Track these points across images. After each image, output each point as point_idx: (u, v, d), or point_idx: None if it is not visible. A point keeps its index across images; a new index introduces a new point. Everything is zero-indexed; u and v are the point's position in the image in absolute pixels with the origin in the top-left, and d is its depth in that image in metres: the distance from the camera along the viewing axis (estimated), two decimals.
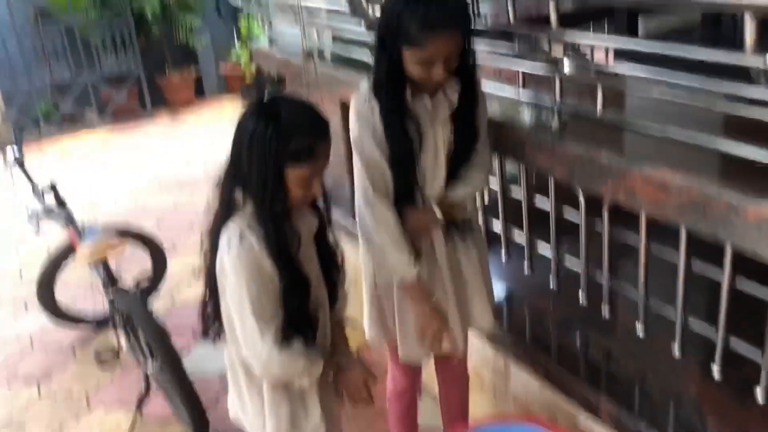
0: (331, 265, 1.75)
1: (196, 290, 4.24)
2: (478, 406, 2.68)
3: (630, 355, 2.09)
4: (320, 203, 1.69)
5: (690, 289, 1.85)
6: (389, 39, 1.63)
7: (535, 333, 2.31)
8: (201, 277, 1.68)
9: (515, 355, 2.29)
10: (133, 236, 3.78)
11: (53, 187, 3.21)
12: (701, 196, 1.47)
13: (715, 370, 1.84)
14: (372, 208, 1.77)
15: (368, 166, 1.76)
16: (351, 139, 1.78)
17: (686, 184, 1.50)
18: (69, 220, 3.14)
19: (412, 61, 1.63)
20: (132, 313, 2.76)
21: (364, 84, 1.79)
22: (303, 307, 1.62)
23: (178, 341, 3.63)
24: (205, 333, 1.75)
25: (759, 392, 1.75)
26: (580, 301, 2.25)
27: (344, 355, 1.79)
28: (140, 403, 2.93)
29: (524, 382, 2.33)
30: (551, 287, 2.38)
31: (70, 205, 3.29)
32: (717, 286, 1.72)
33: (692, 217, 1.52)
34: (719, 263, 1.70)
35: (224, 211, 1.56)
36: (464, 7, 1.72)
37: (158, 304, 4.07)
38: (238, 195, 1.54)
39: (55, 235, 3.66)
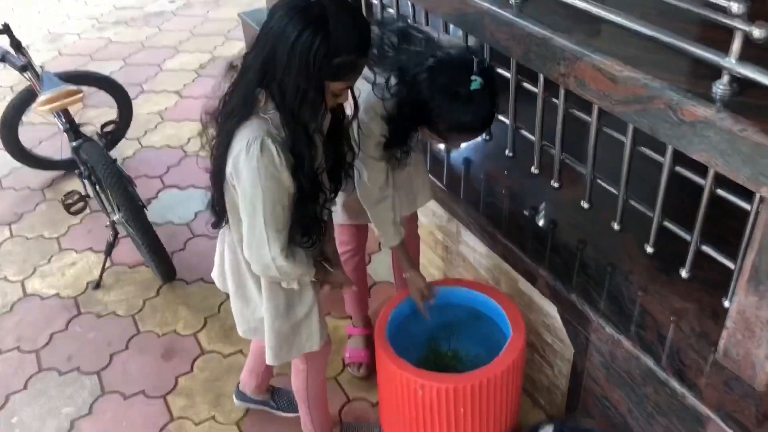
0: (339, 164, 1.71)
1: (164, 133, 4.38)
2: (432, 263, 2.82)
3: (573, 227, 2.18)
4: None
5: (634, 171, 1.90)
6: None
7: (487, 201, 2.38)
8: (207, 169, 1.65)
9: (466, 222, 2.38)
10: (95, 82, 3.69)
11: (6, 29, 3.07)
12: (645, 91, 1.47)
13: (649, 245, 1.94)
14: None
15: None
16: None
17: (633, 76, 1.49)
18: (25, 67, 3.04)
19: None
20: (94, 162, 2.78)
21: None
22: (315, 216, 1.65)
23: (145, 187, 3.73)
24: (217, 225, 1.76)
25: (684, 270, 1.87)
26: (533, 170, 2.31)
27: (331, 262, 1.89)
28: (109, 250, 3.04)
29: (473, 245, 2.44)
30: (507, 153, 2.42)
31: (30, 41, 3.17)
32: (659, 169, 1.77)
33: (635, 110, 1.53)
34: (663, 150, 1.74)
35: (242, 110, 1.47)
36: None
37: (126, 148, 4.08)
38: (260, 95, 1.47)
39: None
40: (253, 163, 1.45)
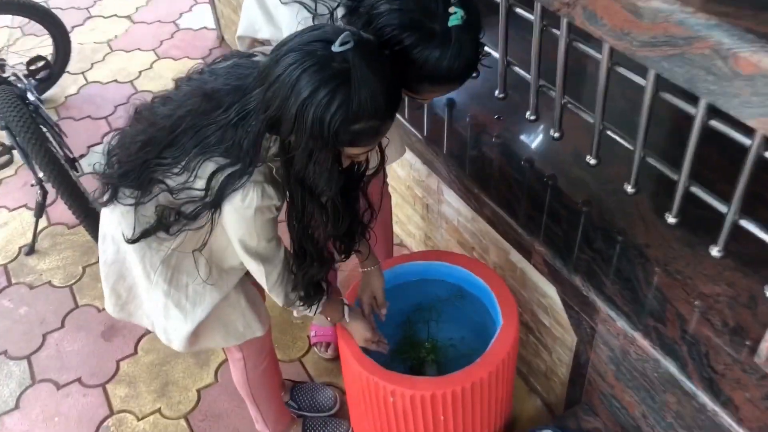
0: (353, 225, 1.48)
1: (112, 66, 3.92)
2: (411, 220, 2.46)
3: (576, 188, 1.82)
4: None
5: (656, 120, 1.50)
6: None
7: (472, 154, 2.00)
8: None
9: (448, 180, 2.01)
10: (19, 9, 3.21)
11: None
12: (682, 30, 1.07)
13: (672, 214, 1.58)
14: None
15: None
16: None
17: (665, 8, 1.08)
18: None
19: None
20: (4, 112, 2.36)
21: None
22: (318, 282, 1.52)
23: (88, 130, 3.32)
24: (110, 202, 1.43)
25: (715, 246, 1.51)
26: (528, 116, 1.91)
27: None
28: (39, 211, 2.67)
29: (457, 207, 2.08)
30: (497, 94, 2.01)
31: None
32: (688, 120, 1.38)
33: (665, 56, 1.13)
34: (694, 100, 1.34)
35: (243, 164, 1.24)
36: None
37: (69, 84, 3.64)
38: (272, 143, 1.27)
39: None
40: (249, 210, 1.29)
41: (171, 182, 1.31)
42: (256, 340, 1.69)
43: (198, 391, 2.19)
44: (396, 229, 2.65)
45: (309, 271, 1.42)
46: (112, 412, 2.15)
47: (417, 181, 2.27)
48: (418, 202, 2.34)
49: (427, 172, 2.16)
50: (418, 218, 2.40)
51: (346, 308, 1.62)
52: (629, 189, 1.64)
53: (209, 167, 1.26)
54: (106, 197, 1.40)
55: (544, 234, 1.71)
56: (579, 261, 1.63)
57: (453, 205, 2.09)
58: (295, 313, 1.58)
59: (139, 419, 2.13)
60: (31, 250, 2.71)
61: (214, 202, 1.28)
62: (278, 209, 1.35)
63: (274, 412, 1.89)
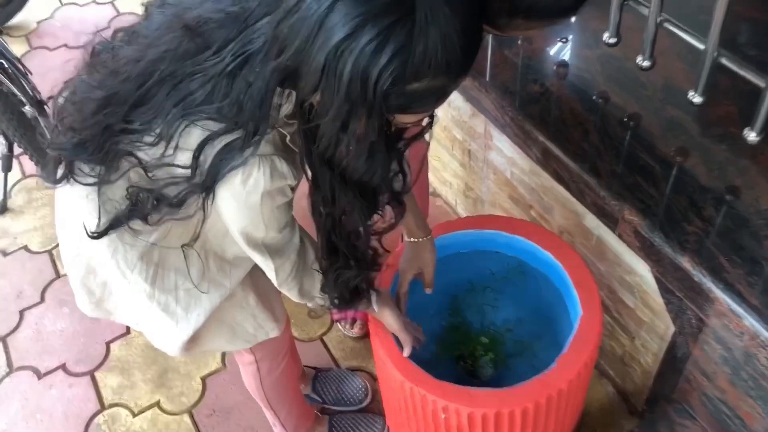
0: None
1: None
2: (448, 167, 2.08)
3: (677, 132, 1.42)
4: None
5: None
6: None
7: (530, 89, 1.60)
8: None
9: (499, 121, 1.62)
10: None
11: None
12: None
13: None
14: None
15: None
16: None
17: None
18: None
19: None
20: None
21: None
22: (356, 288, 1.16)
23: (66, 61, 2.92)
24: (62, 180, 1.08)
25: None
26: (606, 39, 1.49)
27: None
28: (6, 164, 2.30)
29: (510, 155, 1.70)
30: None
31: None
32: None
33: None
34: None
35: (244, 131, 0.87)
36: None
37: (41, 8, 3.20)
38: (284, 99, 0.89)
39: None
40: (256, 195, 0.92)
41: (144, 156, 0.94)
42: (271, 342, 1.36)
43: (203, 379, 1.89)
44: (428, 175, 2.28)
45: (343, 273, 1.07)
46: (103, 407, 1.86)
47: (457, 122, 1.87)
48: (458, 146, 1.95)
49: (471, 112, 1.76)
50: (457, 165, 2.02)
51: (373, 295, 1.27)
52: (751, 136, 1.24)
53: (195, 135, 0.89)
54: (58, 174, 1.04)
55: (636, 197, 1.33)
56: (686, 235, 1.26)
57: (505, 153, 1.71)
58: (309, 305, 1.24)
59: (134, 415, 1.84)
60: (2, 209, 2.37)
61: (204, 185, 0.91)
62: (294, 189, 0.98)
63: (294, 416, 1.59)
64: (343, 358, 1.90)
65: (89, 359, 1.96)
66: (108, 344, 1.99)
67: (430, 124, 1.04)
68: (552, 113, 1.53)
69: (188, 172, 0.90)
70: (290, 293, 1.14)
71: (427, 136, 1.04)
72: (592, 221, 1.49)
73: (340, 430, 1.68)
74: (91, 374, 1.93)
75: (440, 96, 0.84)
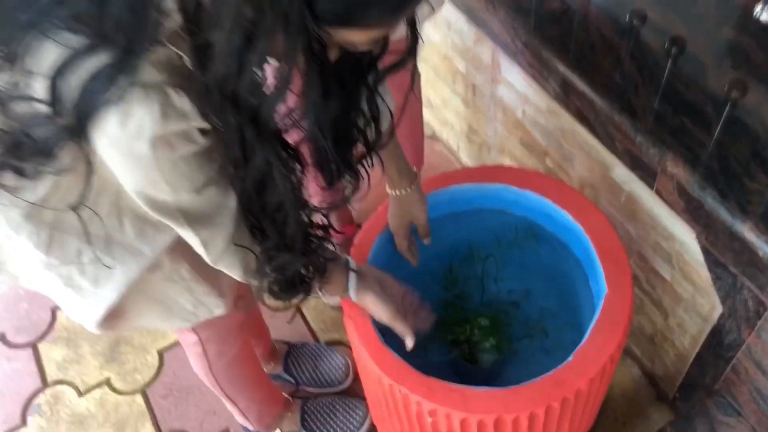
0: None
1: None
2: (449, 104, 1.80)
3: (719, 58, 1.13)
4: None
5: None
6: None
7: (550, 9, 1.30)
8: None
9: (510, 48, 1.33)
10: None
11: None
12: None
13: None
14: None
15: None
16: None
17: None
18: None
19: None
20: None
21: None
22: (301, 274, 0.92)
23: None
24: None
25: None
26: None
27: None
28: None
29: (522, 90, 1.41)
30: None
31: None
32: None
33: None
34: None
35: (114, 48, 0.61)
36: None
37: None
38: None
39: None
40: (140, 148, 0.66)
41: None
42: (219, 320, 1.12)
43: (160, 353, 1.66)
44: (426, 114, 1.99)
45: (277, 258, 0.81)
46: (45, 384, 1.64)
47: (459, 50, 1.58)
48: (460, 80, 1.66)
49: (476, 36, 1.47)
50: (459, 103, 1.73)
51: (352, 276, 1.02)
52: None
53: (49, 54, 0.62)
54: None
55: (681, 144, 1.05)
56: (748, 194, 0.98)
57: (516, 87, 1.42)
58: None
59: (81, 394, 1.62)
60: None
61: (72, 129, 0.64)
62: (207, 132, 0.71)
63: (257, 403, 1.36)
64: (323, 330, 1.66)
65: (32, 328, 1.74)
66: (54, 311, 1.76)
67: (412, 52, 0.78)
68: (575, 37, 1.24)
69: (49, 107, 0.64)
70: (232, 272, 0.89)
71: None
72: (622, 174, 1.21)
73: (314, 416, 1.46)
74: (33, 346, 1.71)
75: (398, 4, 0.57)
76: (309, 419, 1.45)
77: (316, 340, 1.64)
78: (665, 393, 1.44)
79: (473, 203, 1.25)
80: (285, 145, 0.69)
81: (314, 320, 1.67)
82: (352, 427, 1.44)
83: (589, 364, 1.01)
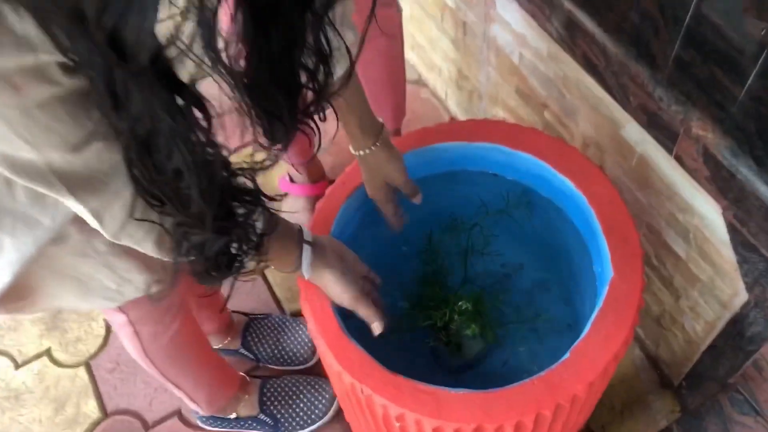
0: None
1: None
2: (436, 45, 1.60)
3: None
4: None
5: None
6: None
7: None
8: None
9: None
10: None
11: None
12: None
13: None
14: None
15: None
16: None
17: None
18: None
19: None
20: None
21: None
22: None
23: None
24: None
25: None
26: None
27: None
28: None
29: (519, 31, 1.22)
30: None
31: None
32: None
33: None
34: None
35: None
36: None
37: None
38: None
39: None
40: None
41: None
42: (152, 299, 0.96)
43: (107, 322, 1.50)
44: (410, 56, 1.79)
45: (189, 233, 0.64)
46: None
47: None
48: (449, 16, 1.46)
49: None
50: (448, 44, 1.53)
51: (306, 250, 0.86)
52: None
53: None
54: None
55: (711, 99, 0.87)
56: None
57: (513, 26, 1.23)
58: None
59: (17, 366, 1.46)
60: None
61: None
62: (74, 70, 0.52)
63: (205, 386, 1.20)
64: (289, 300, 1.50)
65: None
66: None
67: None
68: None
69: None
70: (143, 249, 0.72)
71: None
72: (635, 133, 1.03)
73: (275, 398, 1.30)
74: None
75: None
76: (269, 402, 1.30)
77: (282, 311, 1.48)
78: (669, 379, 1.30)
79: (457, 164, 1.08)
80: (179, 88, 0.51)
81: (280, 288, 1.51)
82: (317, 411, 1.29)
83: (588, 364, 0.85)
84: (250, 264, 0.74)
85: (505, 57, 1.32)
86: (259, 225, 0.71)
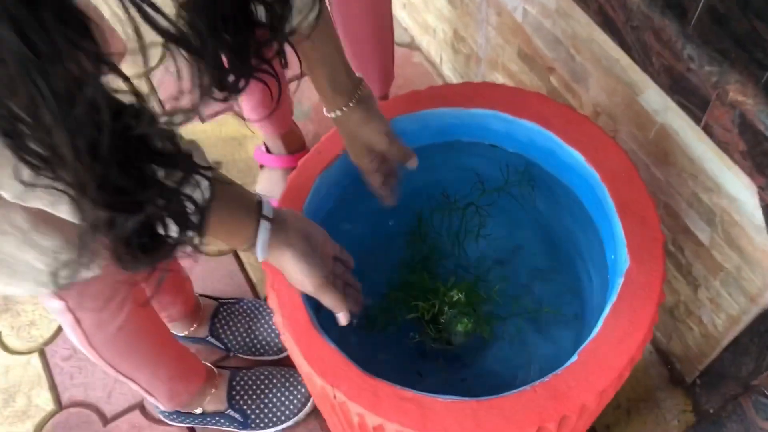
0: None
1: None
2: (431, 6, 1.46)
3: None
4: None
5: None
6: None
7: None
8: None
9: None
10: None
11: None
12: None
13: None
14: None
15: None
16: None
17: None
18: None
19: None
20: None
21: None
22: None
23: None
24: None
25: None
26: None
27: None
28: None
29: None
30: None
31: None
32: None
33: None
34: None
35: None
36: None
37: None
38: None
39: None
40: None
41: None
42: (93, 283, 0.83)
43: None
44: (401, 16, 1.65)
45: (93, 215, 0.51)
46: None
47: None
48: None
49: None
50: (443, 1, 1.39)
51: (264, 227, 0.73)
52: None
53: None
54: None
55: (752, 59, 0.74)
56: None
57: None
58: None
59: None
60: None
61: None
62: None
63: (163, 380, 1.08)
64: (264, 283, 1.37)
65: None
66: None
67: None
68: None
69: None
70: (58, 212, 0.60)
71: None
72: (656, 100, 0.90)
73: (246, 392, 1.19)
74: None
75: None
76: (238, 396, 1.18)
77: (255, 295, 1.35)
78: (681, 376, 1.18)
79: (450, 134, 0.95)
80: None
81: (254, 269, 1.38)
82: (292, 407, 1.18)
83: (599, 369, 0.73)
84: (190, 244, 0.61)
85: (507, 14, 1.18)
86: (198, 197, 0.57)
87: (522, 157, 0.94)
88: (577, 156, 0.88)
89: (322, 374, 0.75)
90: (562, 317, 0.95)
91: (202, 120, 1.56)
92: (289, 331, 0.79)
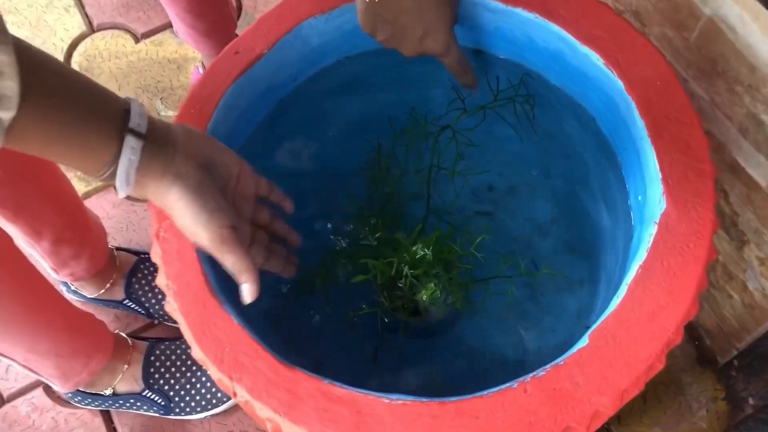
0: None
1: None
2: None
3: None
4: None
5: None
6: None
7: None
8: None
9: None
10: None
11: None
12: None
13: None
14: None
15: None
16: None
17: None
18: None
19: None
20: None
21: None
22: None
23: None
24: None
25: None
26: None
27: None
28: None
29: None
30: None
31: None
32: None
33: None
34: None
35: None
36: None
37: None
38: None
39: None
40: None
41: None
42: None
43: None
44: None
45: None
46: None
47: None
48: None
49: None
50: None
51: (129, 145, 0.50)
52: None
53: None
54: None
55: None
56: None
57: None
58: None
59: None
60: None
61: None
62: None
63: (50, 356, 0.86)
64: None
65: None
66: None
67: None
68: None
69: None
70: None
71: None
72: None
73: (166, 369, 0.97)
74: None
75: None
76: (158, 374, 0.96)
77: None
78: (712, 354, 0.97)
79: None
80: None
81: None
82: (216, 389, 0.96)
83: (621, 359, 0.52)
84: None
85: None
86: None
87: (517, 65, 0.71)
88: (594, 58, 0.64)
89: (218, 361, 0.53)
90: (566, 283, 0.72)
91: (136, 40, 1.32)
92: (177, 299, 0.57)
